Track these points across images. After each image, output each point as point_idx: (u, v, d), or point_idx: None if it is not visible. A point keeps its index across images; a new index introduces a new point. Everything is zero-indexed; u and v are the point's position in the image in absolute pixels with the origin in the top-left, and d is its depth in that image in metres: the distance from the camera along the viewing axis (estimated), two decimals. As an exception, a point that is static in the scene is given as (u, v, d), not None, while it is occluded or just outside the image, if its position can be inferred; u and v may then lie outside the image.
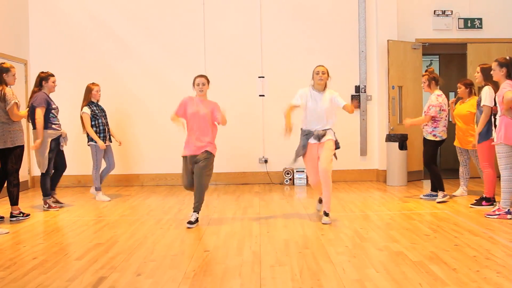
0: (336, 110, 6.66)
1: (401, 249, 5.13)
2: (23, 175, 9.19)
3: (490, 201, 7.29)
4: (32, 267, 4.76)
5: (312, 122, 6.60)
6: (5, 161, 6.89)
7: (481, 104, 7.09)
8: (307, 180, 9.96)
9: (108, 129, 8.68)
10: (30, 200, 8.78)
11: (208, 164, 6.59)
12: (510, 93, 6.19)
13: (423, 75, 8.13)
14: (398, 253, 5.02)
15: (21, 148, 6.98)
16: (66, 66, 9.53)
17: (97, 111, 8.51)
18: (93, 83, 8.62)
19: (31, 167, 10.22)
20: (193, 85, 6.82)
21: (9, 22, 9.62)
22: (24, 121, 7.95)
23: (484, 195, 7.36)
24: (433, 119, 7.79)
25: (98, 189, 8.59)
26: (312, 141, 6.58)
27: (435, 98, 7.80)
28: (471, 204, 7.43)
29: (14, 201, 6.97)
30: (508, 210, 6.47)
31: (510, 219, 6.41)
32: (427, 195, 8.20)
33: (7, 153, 6.86)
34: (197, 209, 6.52)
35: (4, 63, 7.08)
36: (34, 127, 7.63)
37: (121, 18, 10.34)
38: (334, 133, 6.66)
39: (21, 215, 7.04)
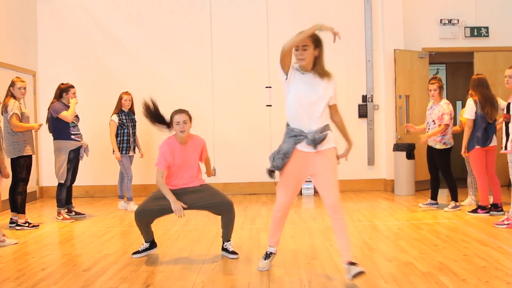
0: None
1: (410, 260, 5.12)
2: (31, 185, 9.22)
3: (486, 209, 7.36)
4: (41, 278, 4.77)
5: (301, 117, 4.48)
6: (13, 170, 7.10)
7: (463, 115, 7.26)
8: (314, 190, 9.93)
9: (134, 139, 8.70)
10: (38, 211, 8.82)
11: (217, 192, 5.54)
12: None
13: (432, 83, 7.97)
14: (407, 263, 5.00)
15: (25, 158, 7.12)
16: (74, 77, 9.56)
17: (125, 120, 8.54)
18: (124, 92, 8.69)
19: (40, 177, 10.27)
20: (172, 124, 5.42)
21: (18, 33, 9.69)
22: (42, 132, 8.06)
23: (480, 203, 7.50)
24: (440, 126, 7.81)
25: (130, 199, 8.64)
26: (304, 148, 4.48)
27: (446, 106, 7.81)
28: (468, 211, 7.56)
29: (17, 209, 7.12)
30: (517, 219, 6.45)
31: (519, 228, 6.40)
32: (427, 204, 8.24)
33: (14, 163, 7.08)
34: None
35: (16, 77, 7.35)
36: (55, 138, 7.71)
37: (129, 29, 10.41)
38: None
39: (27, 224, 7.12)
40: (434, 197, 8.19)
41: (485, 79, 7.42)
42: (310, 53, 4.48)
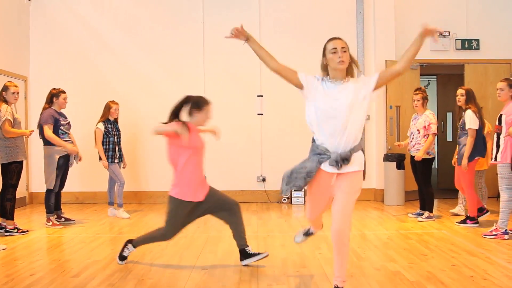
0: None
1: (398, 269, 5.14)
2: (21, 191, 9.18)
3: (475, 219, 7.42)
4: (29, 284, 4.76)
5: (328, 134, 4.01)
6: (3, 176, 7.04)
7: (466, 127, 7.28)
8: (304, 199, 9.94)
9: (119, 148, 8.69)
10: (28, 217, 8.78)
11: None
12: None
13: (416, 94, 8.09)
14: (395, 272, 5.02)
15: (16, 164, 7.06)
16: (66, 83, 9.54)
17: (110, 129, 8.54)
18: (112, 101, 8.69)
19: (30, 183, 10.23)
20: (200, 108, 5.56)
21: (9, 39, 9.68)
22: (32, 138, 8.05)
23: (468, 215, 7.55)
24: (425, 136, 7.87)
25: (120, 205, 8.62)
26: (327, 168, 4.04)
27: (432, 116, 7.92)
28: (457, 222, 7.62)
29: (6, 216, 7.07)
30: (506, 230, 6.49)
31: (507, 239, 6.42)
32: (416, 214, 8.28)
33: (5, 169, 7.01)
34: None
35: (8, 81, 7.25)
36: (45, 144, 7.72)
37: (122, 36, 10.42)
38: (364, 154, 4.20)
39: (16, 230, 7.08)
40: (423, 207, 8.22)
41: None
42: (348, 56, 4.09)
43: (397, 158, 9.58)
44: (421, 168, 7.97)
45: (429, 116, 7.91)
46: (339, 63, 4.01)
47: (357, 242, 6.50)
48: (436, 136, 8.20)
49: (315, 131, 4.07)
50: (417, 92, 8.14)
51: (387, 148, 10.09)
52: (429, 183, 8.04)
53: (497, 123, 6.69)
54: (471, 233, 6.91)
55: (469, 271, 5.04)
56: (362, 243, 6.46)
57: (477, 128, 7.26)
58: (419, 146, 7.94)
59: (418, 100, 8.03)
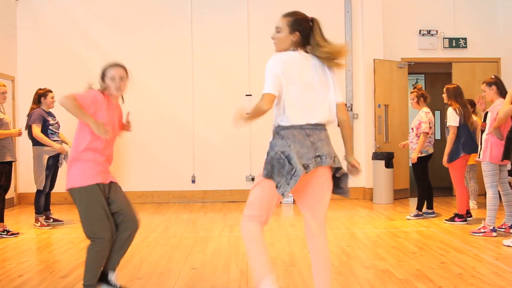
0: None
1: (387, 267, 5.16)
2: (8, 192, 9.13)
3: (463, 217, 7.45)
4: (18, 285, 4.73)
5: (307, 113, 3.63)
6: None
7: (447, 125, 7.34)
8: (294, 198, 9.92)
9: None
10: (16, 217, 8.72)
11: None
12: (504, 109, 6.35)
13: (411, 92, 8.16)
14: (384, 271, 5.04)
15: (3, 165, 6.99)
16: (54, 82, 9.48)
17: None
18: None
19: (18, 184, 10.16)
20: (103, 78, 4.69)
21: (-4, 39, 9.63)
22: (20, 138, 7.98)
23: (457, 212, 7.57)
24: (418, 136, 7.85)
25: None
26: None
27: (424, 114, 7.88)
28: (445, 220, 7.65)
29: None
30: (493, 227, 6.53)
31: (495, 236, 6.46)
32: (427, 213, 8.21)
33: None
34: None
35: None
36: (33, 144, 7.66)
37: (110, 36, 10.38)
38: None
39: (5, 233, 7.01)
40: (429, 206, 8.18)
41: (461, 89, 7.59)
42: (284, 38, 3.84)
43: (385, 157, 9.61)
44: (414, 166, 7.94)
45: (420, 115, 7.90)
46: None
47: (346, 240, 6.52)
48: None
49: (290, 109, 3.61)
50: (412, 90, 8.20)
51: (376, 146, 10.12)
52: (423, 181, 8.02)
53: (483, 120, 6.76)
54: (459, 231, 6.95)
55: (458, 268, 5.06)
56: (351, 241, 6.48)
57: (456, 125, 7.31)
58: (413, 144, 7.95)
59: (413, 99, 8.05)
